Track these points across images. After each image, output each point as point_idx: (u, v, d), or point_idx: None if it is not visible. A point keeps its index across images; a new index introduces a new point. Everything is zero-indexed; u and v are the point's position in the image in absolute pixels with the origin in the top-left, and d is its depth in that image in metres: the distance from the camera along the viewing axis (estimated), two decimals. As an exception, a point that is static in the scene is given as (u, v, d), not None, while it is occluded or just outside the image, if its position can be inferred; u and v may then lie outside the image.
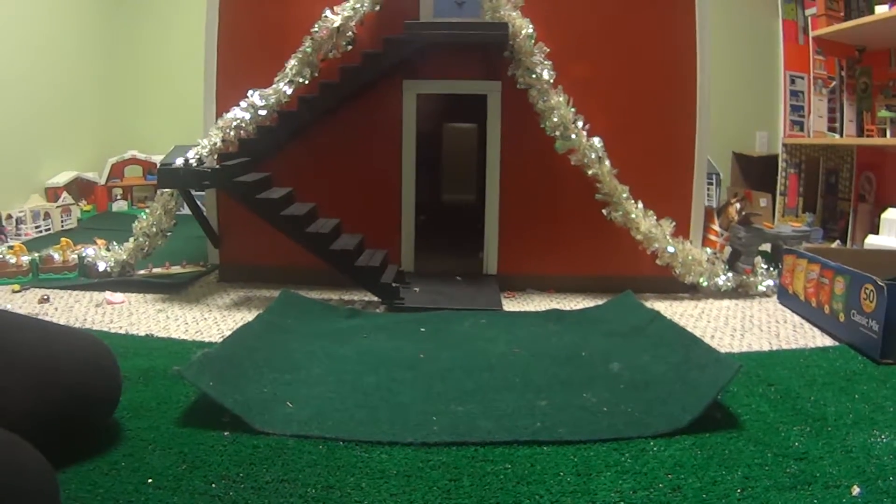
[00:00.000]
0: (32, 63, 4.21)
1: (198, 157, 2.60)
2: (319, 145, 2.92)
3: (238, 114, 2.71)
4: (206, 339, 2.21)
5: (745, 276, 2.92)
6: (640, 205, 2.79)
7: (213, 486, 1.28)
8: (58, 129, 4.54)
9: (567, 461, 1.40)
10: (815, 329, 2.45)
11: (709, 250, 2.93)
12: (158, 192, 2.90)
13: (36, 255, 2.93)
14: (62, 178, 4.44)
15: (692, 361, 1.86)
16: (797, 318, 2.59)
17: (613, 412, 1.63)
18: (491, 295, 2.72)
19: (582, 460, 1.41)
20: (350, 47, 2.79)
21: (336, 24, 2.71)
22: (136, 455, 1.39)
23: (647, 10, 2.88)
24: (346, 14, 2.72)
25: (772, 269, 2.98)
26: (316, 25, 2.73)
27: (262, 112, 2.72)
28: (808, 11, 4.30)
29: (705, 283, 2.83)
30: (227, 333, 2.11)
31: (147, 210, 2.94)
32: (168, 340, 2.20)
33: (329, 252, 2.58)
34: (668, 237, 2.78)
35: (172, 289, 2.83)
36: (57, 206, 4.15)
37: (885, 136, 3.69)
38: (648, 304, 2.56)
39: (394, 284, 2.62)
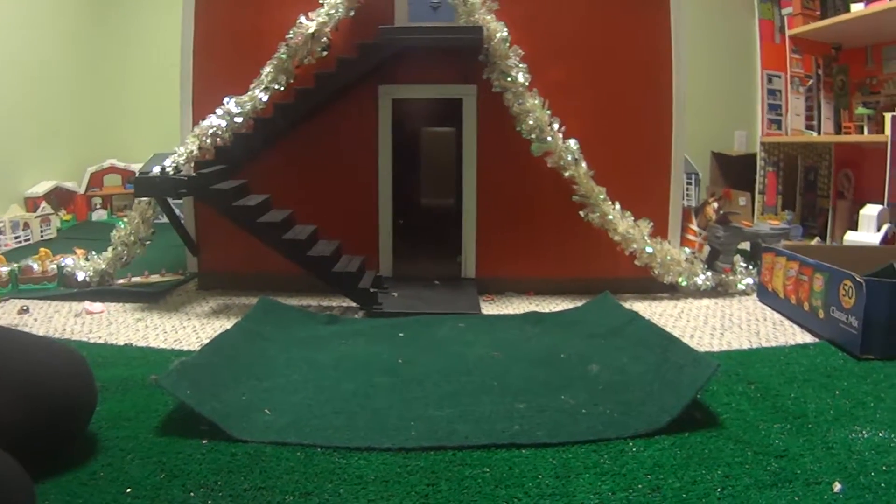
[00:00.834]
0: (10, 73, 4.18)
1: (174, 165, 2.58)
2: (296, 152, 2.91)
3: (214, 121, 2.70)
4: (185, 348, 2.20)
5: (724, 275, 2.93)
6: (618, 206, 2.80)
7: (192, 494, 1.27)
8: (36, 138, 4.51)
9: (546, 463, 1.40)
10: (795, 326, 2.46)
11: (687, 250, 2.93)
12: (136, 200, 2.88)
13: (15, 265, 2.91)
14: (41, 188, 4.41)
15: (671, 362, 1.86)
16: (777, 316, 2.60)
17: (592, 413, 1.63)
18: (469, 299, 2.72)
19: (561, 462, 1.41)
20: (325, 53, 2.79)
21: (311, 30, 2.70)
22: (114, 465, 1.38)
23: (621, 11, 2.89)
24: (320, 20, 2.72)
25: (751, 267, 2.99)
26: (291, 32, 2.73)
27: (238, 119, 2.71)
28: (785, 10, 4.33)
29: (684, 283, 2.83)
30: (206, 341, 2.10)
31: (125, 219, 2.93)
32: (147, 349, 2.19)
33: (306, 258, 2.58)
34: (646, 238, 2.78)
35: (151, 298, 2.81)
36: (36, 216, 4.12)
37: (862, 132, 3.71)
38: (627, 305, 2.56)
39: (372, 290, 2.61)
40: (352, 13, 2.78)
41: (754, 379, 1.89)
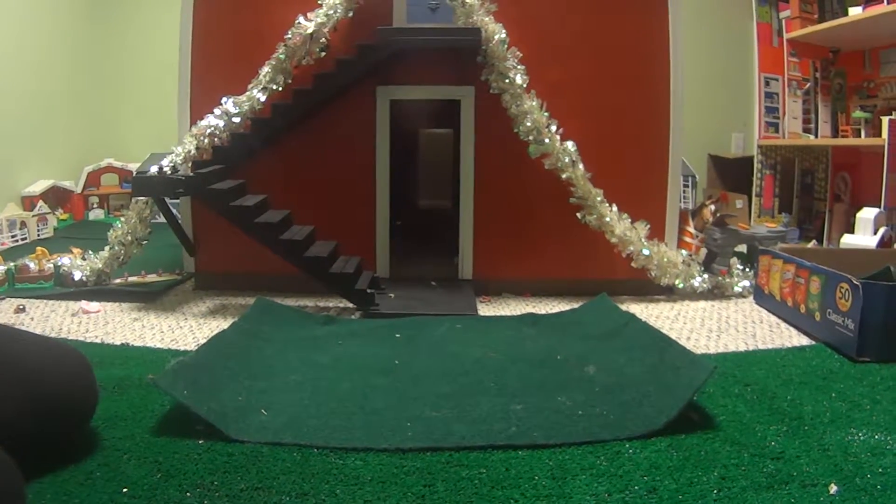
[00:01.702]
0: (7, 72, 4.18)
1: (172, 164, 2.58)
2: (294, 152, 2.91)
3: (212, 121, 2.69)
4: (182, 348, 2.20)
5: (720, 278, 2.93)
6: (615, 208, 2.80)
7: (188, 494, 1.27)
8: (33, 137, 4.51)
9: (542, 465, 1.40)
10: (792, 329, 2.46)
11: (684, 252, 2.94)
12: (133, 200, 2.88)
13: (11, 264, 2.91)
14: (38, 187, 4.41)
15: (667, 363, 1.86)
16: (773, 318, 2.60)
17: (589, 415, 1.63)
18: (466, 300, 2.72)
19: (557, 464, 1.41)
20: (324, 54, 2.78)
21: (309, 31, 2.70)
22: (111, 464, 1.38)
23: (620, 13, 2.89)
24: (319, 20, 2.71)
25: (747, 269, 2.99)
26: (289, 32, 2.72)
27: (236, 119, 2.71)
28: (783, 14, 4.33)
29: (681, 285, 2.84)
30: (203, 341, 2.10)
31: (122, 218, 2.92)
32: (143, 349, 2.19)
33: (303, 259, 2.58)
34: (642, 240, 2.79)
35: (148, 297, 2.81)
36: (33, 215, 4.12)
37: (859, 136, 3.71)
38: (624, 307, 2.56)
39: (369, 291, 2.61)
40: (350, 14, 2.77)
41: (751, 381, 1.89)
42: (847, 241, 3.22)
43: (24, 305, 2.65)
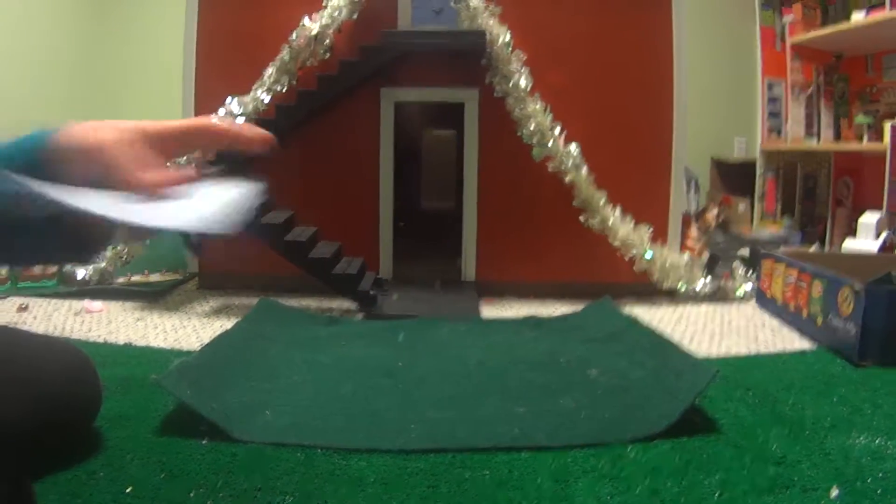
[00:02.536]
0: (8, 71, 4.18)
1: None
2: (297, 153, 2.91)
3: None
4: (185, 348, 2.20)
5: (723, 281, 2.93)
6: (618, 211, 2.80)
7: (192, 494, 1.27)
8: (35, 137, 4.50)
9: (545, 467, 1.40)
10: (794, 333, 2.46)
11: (687, 255, 2.94)
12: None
13: (13, 264, 2.92)
14: (40, 187, 4.40)
15: (669, 367, 1.86)
16: (775, 322, 2.60)
17: (591, 418, 1.63)
18: (469, 301, 2.72)
19: (560, 466, 1.41)
20: (328, 55, 2.79)
21: (314, 33, 2.71)
22: (114, 464, 1.38)
23: (624, 17, 2.89)
24: (323, 22, 2.72)
25: (750, 273, 2.99)
26: (294, 33, 2.73)
27: (240, 120, 2.71)
28: (786, 18, 4.34)
29: (683, 289, 2.84)
30: (206, 342, 2.10)
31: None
32: (147, 349, 2.19)
33: (307, 260, 2.58)
34: (645, 243, 2.79)
35: (151, 297, 2.81)
36: (35, 215, 4.11)
37: (861, 141, 3.71)
38: (627, 310, 2.56)
39: (372, 292, 2.62)
40: (355, 16, 2.78)
41: (753, 385, 1.89)
42: (849, 245, 3.22)
43: (27, 304, 2.65)
